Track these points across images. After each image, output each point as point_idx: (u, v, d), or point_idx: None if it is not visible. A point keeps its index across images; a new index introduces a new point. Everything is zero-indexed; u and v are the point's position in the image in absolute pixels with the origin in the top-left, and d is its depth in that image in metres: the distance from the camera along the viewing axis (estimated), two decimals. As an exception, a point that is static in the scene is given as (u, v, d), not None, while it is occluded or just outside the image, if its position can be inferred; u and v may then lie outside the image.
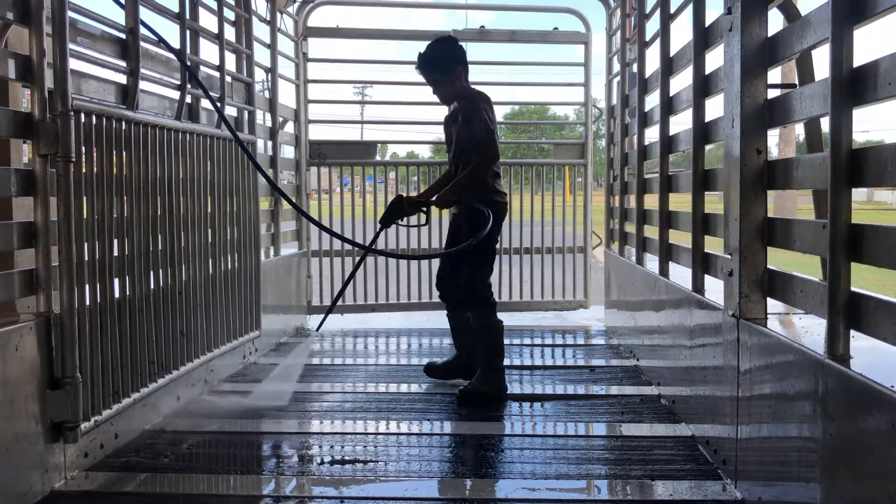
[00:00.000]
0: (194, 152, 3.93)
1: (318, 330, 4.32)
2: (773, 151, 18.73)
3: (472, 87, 4.16)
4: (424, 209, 4.06)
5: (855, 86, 2.01)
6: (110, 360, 3.12)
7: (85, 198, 2.97)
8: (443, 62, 4.06)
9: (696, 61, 3.46)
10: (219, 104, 3.92)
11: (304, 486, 2.98)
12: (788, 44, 2.55)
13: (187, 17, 4.00)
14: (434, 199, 4.04)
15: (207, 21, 4.34)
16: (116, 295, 3.20)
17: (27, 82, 2.75)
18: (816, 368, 2.07)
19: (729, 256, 2.83)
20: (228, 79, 4.54)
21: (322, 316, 4.23)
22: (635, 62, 5.18)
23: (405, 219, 4.14)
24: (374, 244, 4.16)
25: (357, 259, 4.31)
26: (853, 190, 2.08)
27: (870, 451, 1.79)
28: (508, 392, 4.14)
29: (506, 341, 5.57)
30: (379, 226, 4.10)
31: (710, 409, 3.14)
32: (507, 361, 4.93)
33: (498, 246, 6.53)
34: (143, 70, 3.48)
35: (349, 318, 6.38)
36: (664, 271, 4.10)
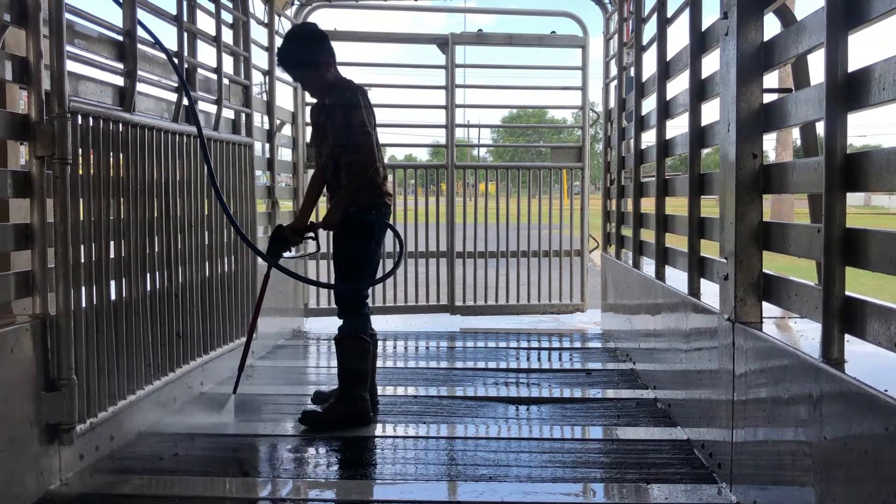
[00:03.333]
0: (191, 154, 3.93)
1: (234, 392, 3.82)
2: (771, 155, 18.76)
3: (344, 77, 3.77)
4: (311, 235, 3.77)
5: (849, 91, 2.02)
6: (106, 362, 3.12)
7: (81, 200, 2.97)
8: (308, 58, 3.67)
9: (693, 65, 3.47)
10: (193, 102, 3.78)
11: (301, 489, 2.98)
12: (784, 48, 2.56)
13: (185, 19, 4.00)
14: (320, 223, 3.72)
15: (205, 23, 4.35)
16: (113, 297, 3.20)
17: (24, 84, 2.75)
18: (811, 372, 2.08)
19: (725, 260, 2.83)
20: (226, 81, 4.54)
21: (236, 379, 3.85)
22: (632, 66, 5.19)
23: (293, 249, 3.82)
24: (266, 283, 3.79)
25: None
26: (850, 194, 2.09)
27: (864, 454, 1.80)
28: (497, 396, 4.14)
29: (502, 344, 5.66)
30: (268, 264, 3.76)
31: (706, 413, 3.14)
32: (503, 364, 4.96)
33: (493, 249, 6.64)
34: (140, 72, 3.48)
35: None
36: (660, 275, 4.11)
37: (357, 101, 3.62)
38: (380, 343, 5.77)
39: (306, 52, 3.69)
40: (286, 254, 3.80)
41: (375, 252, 3.78)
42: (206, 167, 3.83)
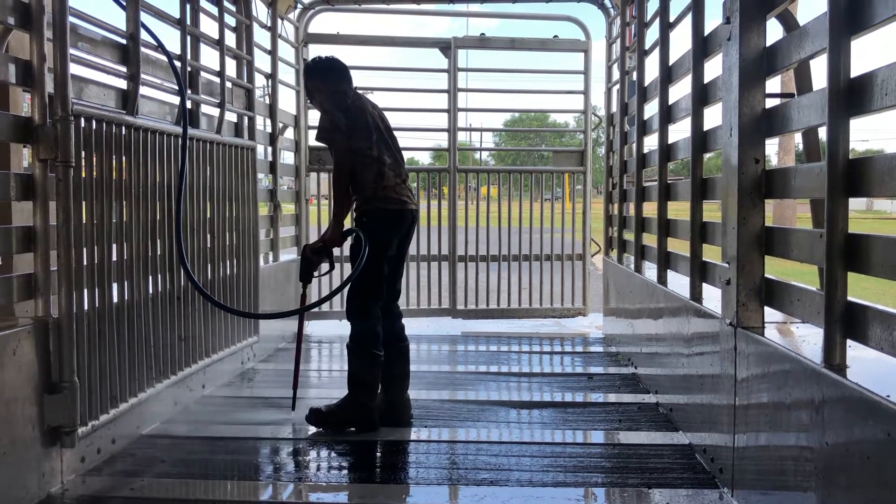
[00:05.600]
0: (194, 157, 3.94)
1: (293, 409, 3.87)
2: (773, 160, 18.76)
3: (338, 91, 3.79)
4: (326, 255, 3.82)
5: (852, 96, 2.01)
6: (108, 365, 3.13)
7: (84, 202, 2.98)
8: (308, 90, 3.88)
9: (695, 70, 3.47)
10: (187, 107, 3.76)
11: (302, 492, 2.98)
12: (787, 53, 2.56)
13: (188, 22, 4.01)
14: (326, 242, 3.77)
15: (208, 27, 4.36)
16: (115, 300, 3.21)
17: (28, 87, 2.76)
18: (813, 377, 2.07)
19: (727, 265, 2.83)
20: (229, 84, 4.55)
21: (292, 396, 3.91)
22: (635, 70, 5.19)
23: (319, 268, 3.87)
24: (305, 303, 3.88)
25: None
26: (853, 199, 2.09)
27: (866, 460, 1.79)
28: (499, 400, 4.13)
29: (504, 348, 5.65)
30: (301, 285, 3.87)
31: (708, 418, 3.14)
32: (504, 368, 4.96)
33: (495, 252, 6.64)
34: (143, 75, 3.49)
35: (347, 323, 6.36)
36: (662, 279, 4.10)
37: (325, 107, 3.70)
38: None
39: (308, 90, 3.87)
40: (316, 273, 3.85)
41: (376, 258, 3.65)
42: (181, 172, 3.77)
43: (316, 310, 6.37)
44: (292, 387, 3.90)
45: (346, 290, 3.74)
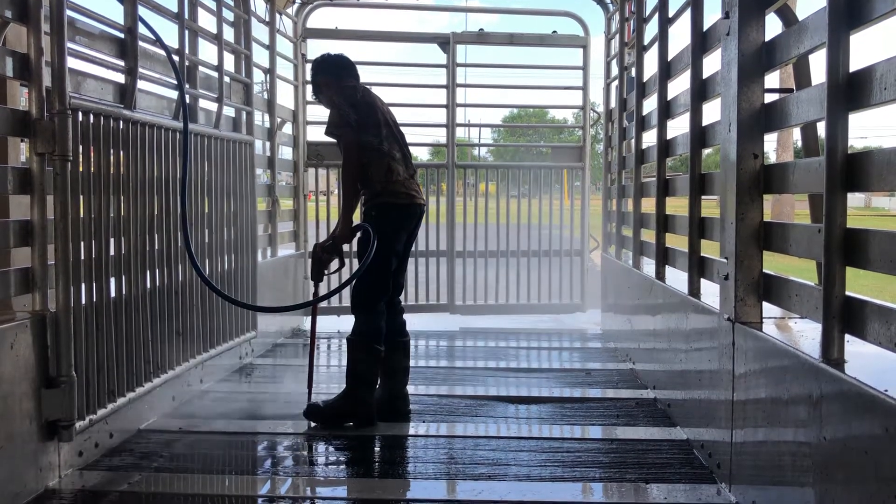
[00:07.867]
0: (191, 152, 3.93)
1: (309, 401, 3.77)
2: (772, 156, 18.77)
3: (347, 86, 3.79)
4: (335, 252, 3.77)
5: (851, 90, 2.01)
6: (105, 359, 3.12)
7: (82, 196, 2.97)
8: (316, 85, 3.85)
9: (694, 65, 3.47)
10: (187, 101, 3.74)
11: (300, 487, 2.98)
12: (785, 48, 2.56)
13: (186, 17, 4.00)
14: (336, 238, 3.73)
15: (206, 21, 4.35)
16: (112, 294, 3.20)
17: (25, 80, 2.75)
18: (811, 372, 2.08)
19: (725, 260, 2.83)
20: (227, 79, 4.54)
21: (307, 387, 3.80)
22: (633, 66, 5.19)
23: (330, 266, 3.83)
24: (317, 299, 3.79)
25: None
26: (850, 195, 2.09)
27: (864, 454, 1.79)
28: (497, 395, 4.14)
29: (502, 343, 5.66)
30: (312, 283, 3.80)
31: (706, 413, 3.14)
32: (503, 364, 4.96)
33: (493, 248, 6.63)
34: (141, 69, 3.48)
35: (346, 319, 6.36)
36: (660, 275, 4.10)
37: (334, 101, 3.69)
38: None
39: (315, 85, 3.86)
40: (327, 271, 3.82)
41: (385, 253, 3.64)
42: (183, 170, 3.75)
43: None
44: (307, 384, 3.82)
45: (352, 283, 3.71)
